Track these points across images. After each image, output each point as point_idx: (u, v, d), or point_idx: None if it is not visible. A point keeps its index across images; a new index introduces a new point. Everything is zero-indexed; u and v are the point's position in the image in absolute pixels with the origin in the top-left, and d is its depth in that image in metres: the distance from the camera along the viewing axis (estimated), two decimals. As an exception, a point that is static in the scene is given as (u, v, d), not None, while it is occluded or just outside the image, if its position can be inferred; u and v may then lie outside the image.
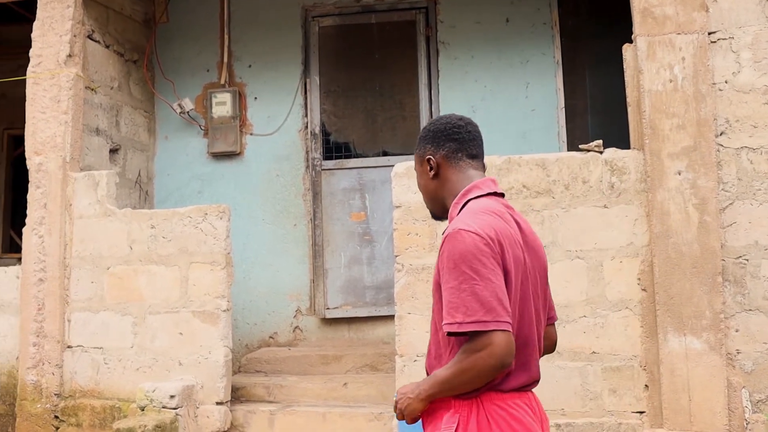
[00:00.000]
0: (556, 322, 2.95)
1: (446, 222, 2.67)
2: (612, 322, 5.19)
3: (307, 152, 7.59)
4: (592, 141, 5.45)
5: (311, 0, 7.75)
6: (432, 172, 2.74)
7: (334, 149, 7.62)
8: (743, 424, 4.94)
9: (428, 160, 2.74)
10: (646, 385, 5.12)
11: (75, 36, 6.60)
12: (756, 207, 5.08)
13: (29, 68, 6.61)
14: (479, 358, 2.35)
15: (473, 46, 7.41)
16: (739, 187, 5.10)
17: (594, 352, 5.20)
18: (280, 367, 6.82)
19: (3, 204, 9.58)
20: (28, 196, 6.47)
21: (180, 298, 6.05)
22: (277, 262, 7.51)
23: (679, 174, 5.09)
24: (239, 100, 7.71)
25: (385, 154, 7.52)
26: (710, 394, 4.94)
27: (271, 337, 7.45)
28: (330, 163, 7.54)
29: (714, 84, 5.19)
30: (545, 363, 5.13)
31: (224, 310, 5.96)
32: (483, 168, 2.77)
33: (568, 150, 6.95)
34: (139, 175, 7.66)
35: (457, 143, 2.72)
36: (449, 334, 2.42)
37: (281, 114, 7.66)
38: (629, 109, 5.36)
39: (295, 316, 7.44)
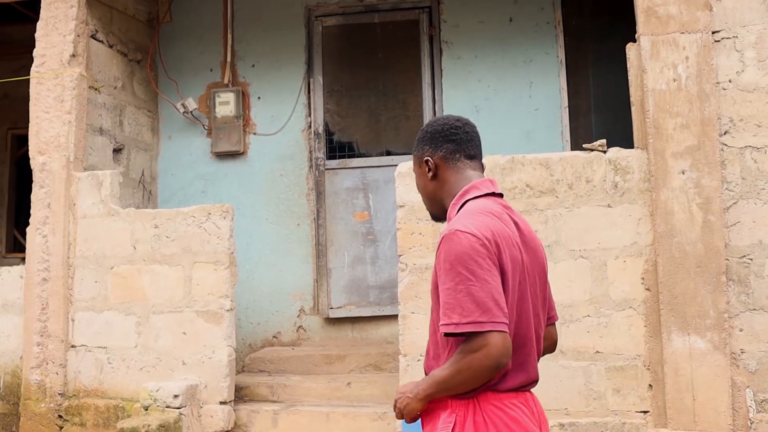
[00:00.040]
0: (557, 322, 2.95)
1: (446, 223, 2.68)
2: (616, 322, 5.18)
3: (310, 152, 7.59)
4: (596, 140, 5.45)
5: (314, -1, 7.77)
6: (430, 174, 2.74)
7: (338, 149, 7.62)
8: (747, 424, 4.93)
9: (426, 161, 2.75)
10: (650, 385, 5.11)
11: (78, 36, 6.60)
12: (760, 206, 5.07)
13: (33, 68, 6.62)
14: (475, 358, 2.36)
15: (477, 46, 7.40)
16: (743, 187, 5.09)
17: (598, 352, 5.19)
18: (283, 367, 6.83)
19: (7, 204, 9.59)
20: (32, 196, 6.48)
21: (183, 298, 6.05)
22: (280, 262, 7.51)
23: (683, 173, 5.08)
24: (242, 99, 7.71)
25: (388, 153, 7.52)
26: (714, 394, 4.93)
27: (274, 336, 7.45)
28: (333, 163, 7.54)
29: (718, 83, 5.18)
30: (549, 362, 5.15)
31: (228, 310, 5.96)
32: (481, 168, 2.77)
33: (572, 149, 6.94)
34: (143, 174, 7.67)
35: (454, 144, 2.73)
36: (446, 334, 2.43)
37: (284, 113, 7.66)
38: (633, 109, 5.36)
39: (298, 316, 7.44)
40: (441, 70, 7.47)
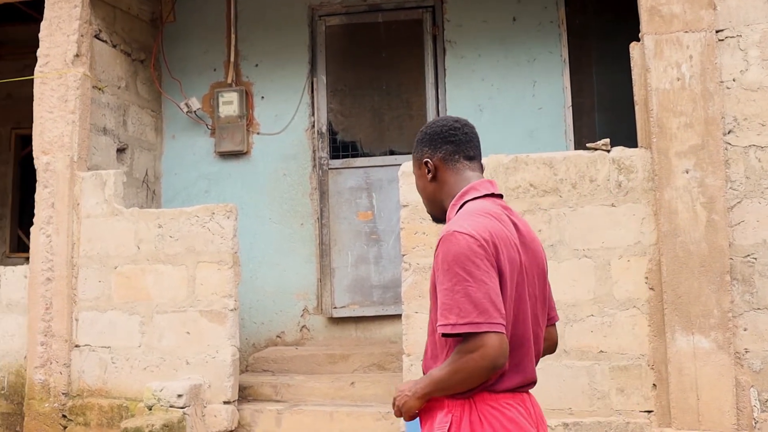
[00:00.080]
0: (559, 322, 2.95)
1: (445, 224, 2.68)
2: (619, 321, 5.18)
3: (314, 151, 7.59)
4: (600, 139, 5.44)
5: (318, -1, 7.77)
6: (430, 175, 2.75)
7: (341, 148, 7.62)
8: (752, 423, 4.92)
9: (426, 162, 2.75)
10: (654, 384, 5.10)
11: (82, 36, 6.61)
12: (764, 205, 5.06)
13: (37, 68, 6.63)
14: (471, 359, 2.37)
15: (480, 45, 7.40)
16: (747, 186, 5.08)
17: (601, 351, 5.19)
18: (287, 367, 6.83)
19: (11, 203, 9.60)
20: (36, 196, 6.49)
21: (187, 298, 6.06)
22: (284, 262, 7.51)
23: (687, 172, 5.07)
24: (246, 99, 7.71)
25: (392, 153, 7.52)
26: (718, 393, 4.93)
27: (278, 336, 7.46)
28: (337, 162, 7.54)
29: (722, 82, 5.17)
30: (552, 362, 5.16)
31: (231, 310, 5.96)
32: (481, 169, 2.77)
33: (576, 148, 6.93)
34: (147, 174, 7.67)
35: (454, 145, 2.73)
36: (444, 335, 2.44)
37: (288, 113, 7.66)
38: (637, 108, 5.35)
39: (302, 316, 7.44)
40: (444, 70, 7.46)
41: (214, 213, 6.05)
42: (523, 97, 7.29)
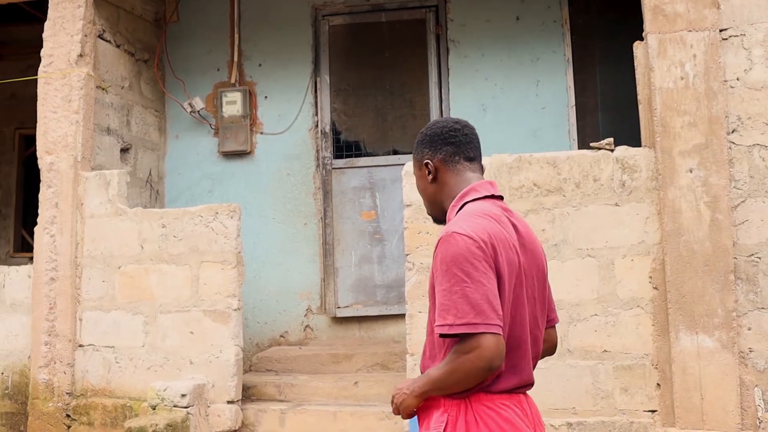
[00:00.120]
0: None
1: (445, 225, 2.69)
2: (623, 321, 5.17)
3: (317, 151, 7.59)
4: (603, 139, 5.44)
5: (321, -1, 7.78)
6: (430, 176, 2.75)
7: (345, 148, 7.62)
8: (756, 423, 4.92)
9: (426, 164, 2.76)
10: (657, 384, 5.10)
11: (86, 36, 6.62)
12: (768, 205, 5.06)
13: (40, 68, 6.64)
14: (467, 359, 2.38)
15: (483, 45, 7.40)
16: (751, 185, 5.08)
17: (605, 351, 5.18)
18: (290, 366, 6.83)
19: (14, 203, 9.61)
20: (40, 196, 6.49)
21: (191, 297, 6.06)
22: (287, 261, 7.52)
23: (691, 172, 5.07)
24: (249, 99, 7.71)
25: (395, 152, 7.52)
26: (722, 393, 4.92)
27: (281, 336, 7.46)
28: (340, 162, 7.54)
29: (725, 81, 5.16)
30: (556, 361, 5.15)
31: (235, 309, 5.97)
32: (481, 170, 2.77)
33: (579, 148, 6.93)
34: (150, 174, 7.68)
35: (454, 147, 2.73)
36: (441, 335, 2.45)
37: (291, 113, 7.67)
38: (640, 107, 5.34)
39: (305, 315, 7.45)
40: (448, 69, 7.46)
41: (217, 213, 6.06)
42: (526, 96, 7.29)
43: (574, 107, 7.21)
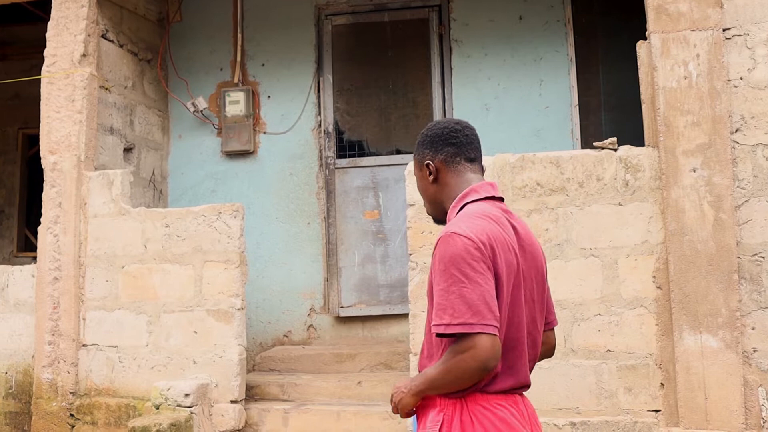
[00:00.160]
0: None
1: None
2: (627, 320, 5.17)
3: (320, 150, 7.60)
4: (606, 138, 5.43)
5: (324, -2, 7.78)
6: (431, 177, 2.77)
7: (348, 147, 7.62)
8: (760, 423, 4.91)
9: (427, 164, 2.77)
10: (661, 384, 5.10)
11: (89, 35, 6.62)
12: (772, 204, 5.05)
13: (44, 68, 6.64)
14: (462, 359, 2.39)
15: (486, 44, 7.39)
16: (755, 184, 5.07)
17: (609, 350, 5.18)
18: (294, 366, 6.83)
19: (18, 203, 9.62)
20: (43, 195, 6.50)
21: (194, 297, 6.07)
22: (290, 261, 7.52)
23: (694, 171, 5.06)
24: (252, 98, 7.72)
25: (398, 152, 7.52)
26: (726, 393, 4.92)
27: (285, 335, 7.46)
28: (343, 162, 7.54)
29: (729, 81, 5.16)
30: (560, 361, 5.15)
31: (238, 309, 5.97)
32: (481, 171, 2.79)
33: (582, 147, 6.93)
34: (153, 174, 7.68)
35: (455, 147, 2.75)
36: (438, 335, 2.47)
37: (294, 112, 7.67)
38: (643, 107, 5.34)
39: (308, 315, 7.45)
40: (451, 69, 7.46)
41: (220, 212, 6.06)
42: (529, 96, 7.29)
43: (578, 107, 7.21)
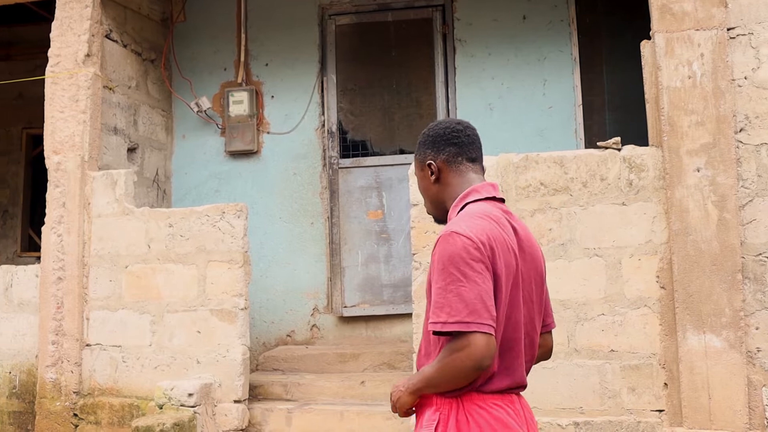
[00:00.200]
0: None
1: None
2: (631, 320, 5.16)
3: (324, 150, 7.60)
4: (610, 138, 5.43)
5: (328, -2, 7.78)
6: (433, 177, 2.77)
7: (351, 147, 7.62)
8: (764, 423, 4.90)
9: (429, 164, 2.77)
10: (665, 384, 5.09)
11: (93, 36, 6.63)
12: (776, 204, 5.04)
13: (48, 68, 6.65)
14: (457, 357, 2.40)
15: (490, 44, 7.39)
16: (759, 184, 5.06)
17: (612, 350, 5.17)
18: (297, 366, 6.84)
19: (22, 203, 9.64)
20: (47, 195, 6.51)
21: (198, 297, 6.07)
22: (294, 261, 7.52)
23: (698, 171, 5.05)
24: (256, 98, 7.72)
25: (402, 152, 7.52)
26: (730, 393, 4.91)
27: (288, 335, 7.46)
28: (347, 162, 7.54)
29: (733, 80, 5.15)
30: (563, 361, 5.15)
31: (242, 309, 5.97)
32: (482, 171, 2.79)
33: (586, 147, 6.92)
34: (157, 173, 7.69)
35: (457, 147, 2.75)
36: (434, 333, 2.48)
37: (298, 112, 7.67)
38: (647, 106, 5.33)
39: (312, 315, 7.45)
40: (454, 68, 7.46)
41: (224, 212, 6.07)
42: (533, 95, 7.28)
43: (581, 106, 7.20)
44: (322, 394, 6.28)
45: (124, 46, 7.23)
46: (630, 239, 5.20)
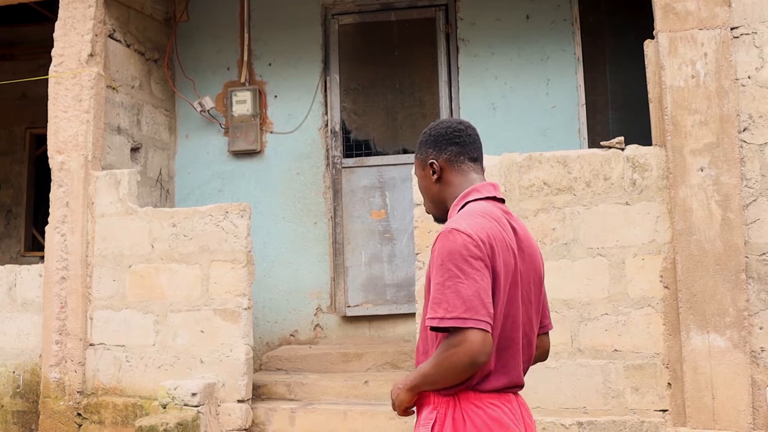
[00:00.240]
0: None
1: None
2: (634, 320, 5.16)
3: (327, 150, 7.60)
4: (614, 138, 5.43)
5: (331, -2, 7.78)
6: (435, 176, 2.77)
7: (354, 147, 7.62)
8: (767, 423, 4.90)
9: (431, 164, 2.78)
10: (668, 383, 5.09)
11: (96, 35, 6.63)
12: (780, 203, 5.04)
13: (51, 68, 6.65)
14: (453, 353, 2.40)
15: (493, 43, 7.39)
16: (763, 184, 5.05)
17: (616, 350, 5.17)
18: (300, 365, 6.84)
19: (25, 203, 9.65)
20: (51, 195, 6.51)
21: (201, 296, 6.07)
22: (297, 260, 7.52)
23: (702, 170, 5.05)
24: (259, 98, 7.72)
25: (405, 151, 7.51)
26: (734, 392, 4.90)
27: (291, 335, 7.46)
28: (350, 161, 7.54)
29: (737, 79, 5.14)
30: (566, 360, 5.15)
31: (245, 308, 5.97)
32: (483, 171, 2.80)
33: (589, 147, 6.92)
34: (160, 173, 7.69)
35: (459, 147, 2.76)
36: (431, 328, 2.49)
37: (301, 112, 7.67)
38: (651, 106, 5.33)
39: (315, 314, 7.45)
40: (457, 68, 7.45)
41: (227, 212, 6.07)
42: (536, 95, 7.28)
43: (585, 106, 7.19)
44: (326, 394, 6.28)
45: (128, 46, 7.24)
46: (633, 239, 5.20)
